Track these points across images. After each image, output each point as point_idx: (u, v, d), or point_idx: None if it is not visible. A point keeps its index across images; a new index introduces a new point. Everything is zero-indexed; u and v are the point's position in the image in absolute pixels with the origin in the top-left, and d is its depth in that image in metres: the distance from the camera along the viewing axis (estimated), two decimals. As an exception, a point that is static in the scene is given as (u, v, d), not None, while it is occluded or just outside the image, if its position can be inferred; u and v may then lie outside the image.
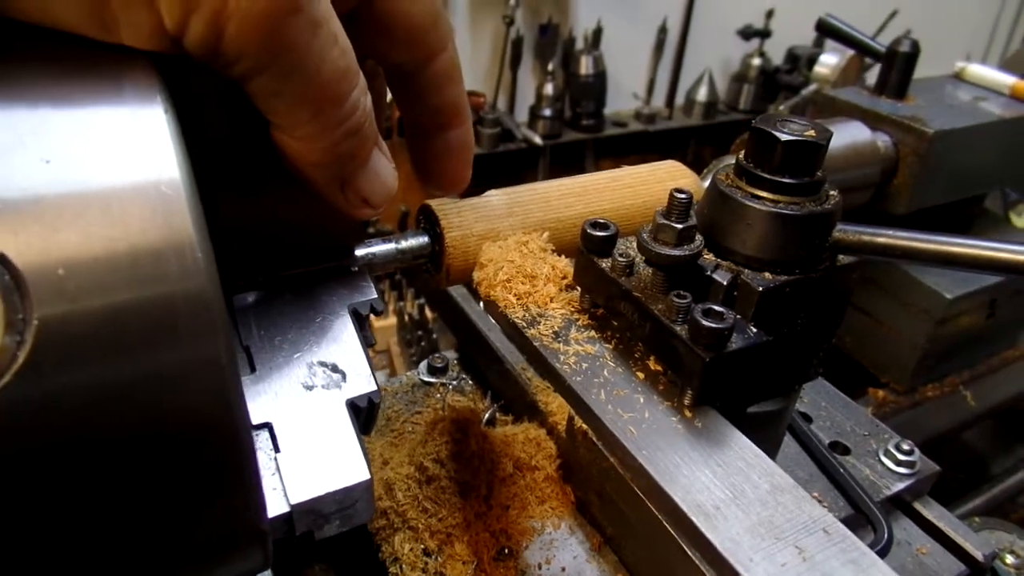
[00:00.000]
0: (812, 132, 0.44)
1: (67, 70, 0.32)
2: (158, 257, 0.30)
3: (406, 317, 1.90)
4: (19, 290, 0.28)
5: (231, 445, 0.33)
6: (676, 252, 0.45)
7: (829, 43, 2.87)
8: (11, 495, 0.28)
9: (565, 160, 2.67)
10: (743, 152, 0.47)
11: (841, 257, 0.47)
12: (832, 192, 0.47)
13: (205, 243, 0.32)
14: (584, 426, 0.63)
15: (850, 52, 1.79)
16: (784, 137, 0.44)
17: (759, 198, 0.45)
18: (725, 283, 0.45)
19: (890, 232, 0.45)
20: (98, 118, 0.31)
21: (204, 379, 0.31)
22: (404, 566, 0.61)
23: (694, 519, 0.37)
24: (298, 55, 0.35)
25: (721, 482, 0.39)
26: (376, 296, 0.52)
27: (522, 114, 2.65)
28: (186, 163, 0.32)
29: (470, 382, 0.83)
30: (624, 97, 2.88)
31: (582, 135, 2.64)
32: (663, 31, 2.82)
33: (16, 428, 0.28)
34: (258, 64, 0.34)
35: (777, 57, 2.94)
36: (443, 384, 0.83)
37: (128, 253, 0.30)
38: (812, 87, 1.92)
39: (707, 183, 0.69)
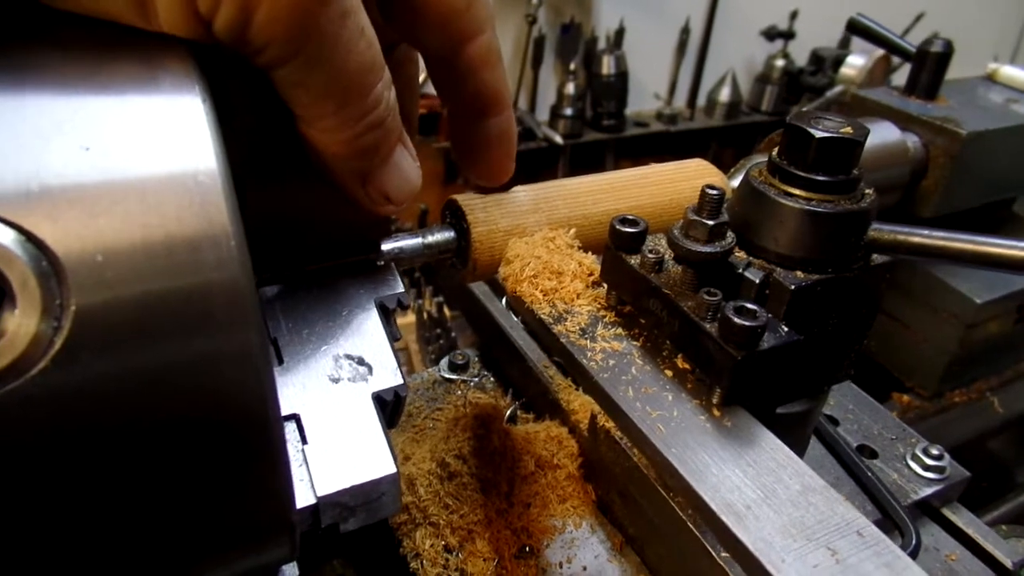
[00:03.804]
0: (848, 129, 0.43)
1: (105, 58, 0.32)
2: (194, 246, 0.30)
3: (425, 315, 1.90)
4: (57, 276, 0.28)
5: (263, 435, 0.33)
6: (707, 249, 0.44)
7: (855, 44, 2.85)
8: (46, 480, 0.29)
9: (585, 160, 2.66)
10: (776, 149, 0.46)
11: (875, 256, 0.47)
12: (868, 191, 0.46)
13: (239, 233, 0.32)
14: (607, 425, 0.62)
15: (877, 53, 1.77)
16: (819, 134, 0.43)
17: (792, 196, 0.45)
18: (757, 281, 0.44)
19: (925, 232, 0.44)
20: (136, 106, 0.31)
21: (237, 369, 0.31)
22: (425, 562, 0.61)
23: (724, 518, 0.37)
24: (325, 45, 0.35)
25: (752, 482, 0.39)
26: (402, 290, 0.52)
27: (543, 113, 2.65)
28: (222, 153, 0.32)
29: (492, 379, 0.83)
30: (646, 97, 2.86)
31: (603, 135, 2.62)
32: (686, 31, 2.80)
33: (52, 414, 0.28)
34: (285, 52, 0.34)
35: (801, 58, 2.91)
36: (464, 381, 0.83)
37: (164, 241, 0.30)
38: (837, 89, 1.90)
39: (735, 182, 0.69)
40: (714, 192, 0.44)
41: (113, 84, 0.31)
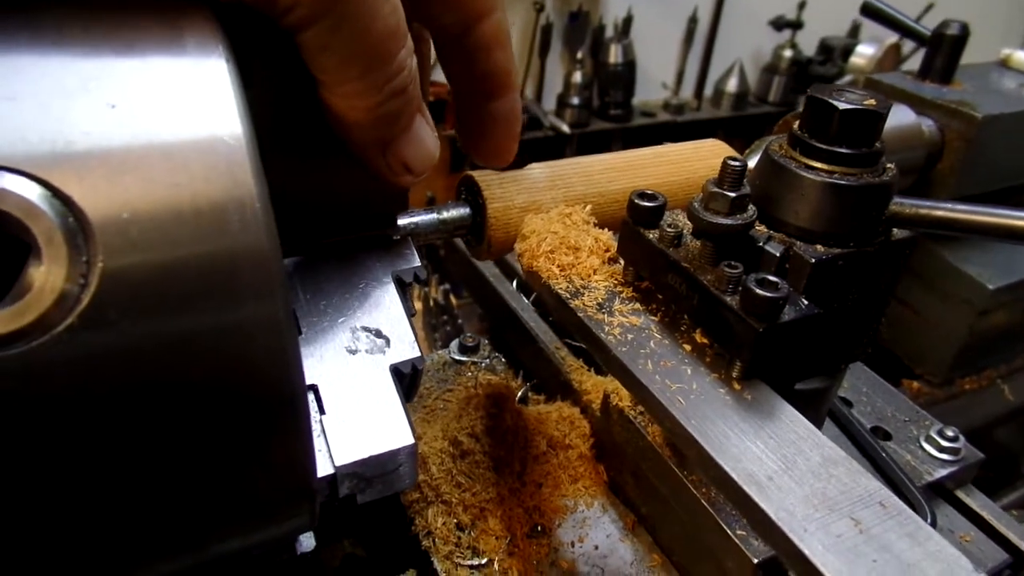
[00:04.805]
0: (871, 101, 0.43)
1: (130, 18, 0.32)
2: (220, 207, 0.30)
3: (431, 303, 1.90)
4: (83, 233, 0.28)
5: (288, 400, 0.33)
6: (728, 221, 0.44)
7: (865, 34, 2.83)
8: (69, 438, 0.28)
9: (592, 149, 2.64)
10: (798, 123, 0.46)
11: (896, 231, 0.46)
12: (889, 165, 0.46)
13: (265, 196, 0.32)
14: (621, 404, 0.62)
15: (888, 42, 1.77)
16: (842, 106, 0.43)
17: (814, 169, 0.44)
18: (778, 254, 0.44)
19: (948, 205, 0.44)
20: (161, 66, 0.31)
21: (261, 330, 0.31)
22: (437, 540, 0.61)
23: (747, 488, 0.37)
24: (351, 7, 0.35)
25: (773, 453, 0.39)
26: (419, 264, 0.51)
27: (550, 102, 2.63)
28: (248, 116, 0.32)
29: (502, 361, 0.83)
30: (653, 87, 2.85)
31: (610, 124, 2.61)
32: (693, 21, 2.78)
33: (78, 372, 0.28)
34: (312, 13, 0.34)
35: (809, 48, 2.89)
36: (475, 363, 0.83)
37: (190, 201, 0.30)
38: (847, 78, 1.89)
39: (751, 162, 0.69)
40: (736, 163, 0.43)
41: (138, 44, 0.31)
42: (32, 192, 0.27)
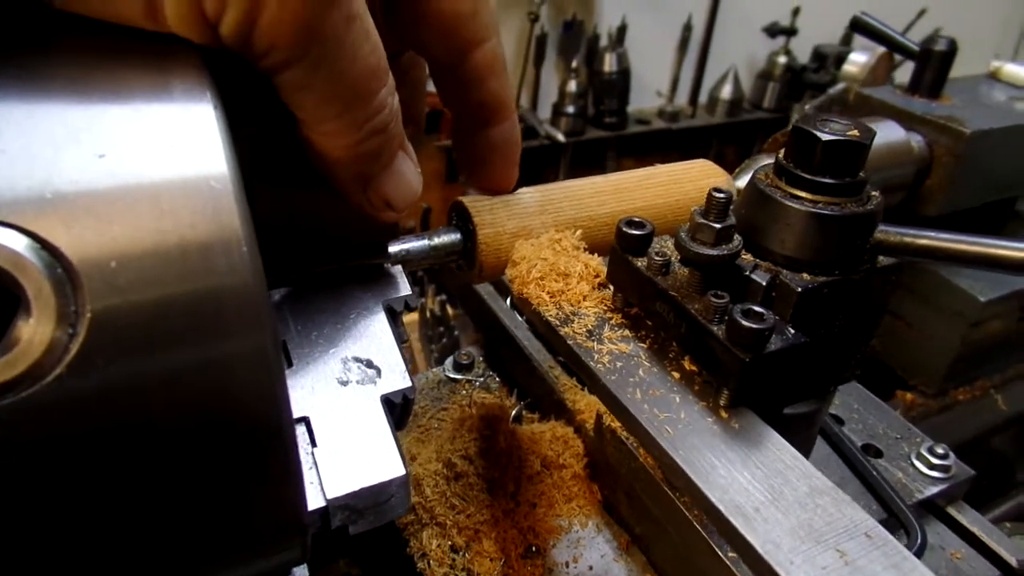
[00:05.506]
0: (855, 132, 0.44)
1: (118, 65, 0.32)
2: (206, 251, 0.30)
3: (428, 314, 1.90)
4: (72, 283, 0.28)
5: (276, 438, 0.33)
6: (714, 252, 0.44)
7: (857, 41, 2.84)
8: (62, 483, 0.29)
9: (587, 158, 2.66)
10: (783, 152, 0.46)
11: (881, 258, 0.47)
12: (874, 193, 0.46)
13: (251, 238, 0.32)
14: (613, 424, 0.62)
15: (880, 51, 1.77)
16: (825, 137, 0.44)
17: (798, 198, 0.45)
18: (764, 283, 0.44)
19: (931, 233, 0.44)
20: (149, 113, 0.31)
21: (250, 372, 0.32)
22: (432, 562, 0.62)
23: (733, 520, 0.37)
24: (330, 49, 0.35)
25: (760, 483, 0.39)
26: (409, 292, 0.52)
27: (545, 111, 2.65)
28: (234, 159, 0.32)
29: (496, 379, 0.83)
30: (648, 95, 2.86)
31: (605, 133, 2.62)
32: (688, 28, 2.80)
33: (67, 419, 0.28)
34: (289, 56, 0.34)
35: (803, 55, 2.91)
36: (469, 381, 0.83)
37: (178, 246, 0.30)
38: (840, 86, 1.89)
39: (740, 183, 0.69)
40: (721, 195, 0.44)
41: (127, 92, 0.31)
42: (20, 244, 0.28)
